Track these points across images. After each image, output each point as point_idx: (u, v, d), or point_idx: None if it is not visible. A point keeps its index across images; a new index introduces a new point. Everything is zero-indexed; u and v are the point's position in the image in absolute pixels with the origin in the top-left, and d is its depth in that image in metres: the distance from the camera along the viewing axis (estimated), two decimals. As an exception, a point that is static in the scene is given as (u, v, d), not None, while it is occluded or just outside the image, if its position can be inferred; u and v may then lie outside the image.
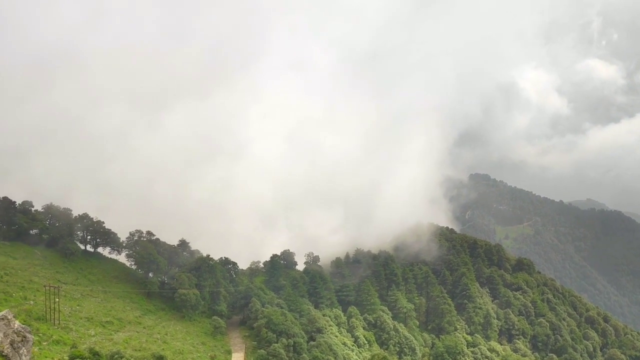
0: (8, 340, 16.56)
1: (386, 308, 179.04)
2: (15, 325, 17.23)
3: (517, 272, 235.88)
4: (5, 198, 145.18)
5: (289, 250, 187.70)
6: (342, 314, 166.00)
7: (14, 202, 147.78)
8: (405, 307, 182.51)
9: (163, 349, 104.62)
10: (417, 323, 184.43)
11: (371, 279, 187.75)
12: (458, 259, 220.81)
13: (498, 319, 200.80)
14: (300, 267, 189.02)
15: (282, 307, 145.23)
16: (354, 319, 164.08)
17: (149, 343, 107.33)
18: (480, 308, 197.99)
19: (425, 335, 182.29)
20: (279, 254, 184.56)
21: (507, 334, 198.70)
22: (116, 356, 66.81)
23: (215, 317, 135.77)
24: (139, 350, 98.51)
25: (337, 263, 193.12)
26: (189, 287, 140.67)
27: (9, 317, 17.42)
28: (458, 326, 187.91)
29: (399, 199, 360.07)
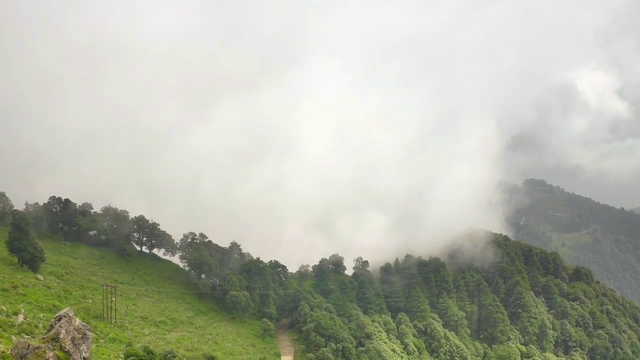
0: (69, 337, 17.16)
1: (437, 315, 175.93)
2: (76, 322, 17.86)
3: (574, 282, 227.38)
4: (66, 200, 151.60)
5: (337, 254, 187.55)
6: (391, 320, 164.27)
7: (75, 203, 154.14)
8: (456, 314, 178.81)
9: (214, 349, 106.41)
10: (469, 331, 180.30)
11: (421, 286, 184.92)
12: (512, 266, 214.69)
13: (554, 329, 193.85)
14: (349, 271, 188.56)
15: (330, 312, 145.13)
16: (403, 326, 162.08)
17: (201, 343, 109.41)
18: (535, 318, 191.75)
19: (477, 344, 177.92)
20: (327, 258, 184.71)
21: (564, 346, 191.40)
22: (169, 355, 68.37)
23: (264, 320, 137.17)
24: (191, 350, 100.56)
25: (387, 268, 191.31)
26: (240, 289, 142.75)
27: (70, 314, 18.07)
28: (511, 336, 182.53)
29: (451, 202, 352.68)
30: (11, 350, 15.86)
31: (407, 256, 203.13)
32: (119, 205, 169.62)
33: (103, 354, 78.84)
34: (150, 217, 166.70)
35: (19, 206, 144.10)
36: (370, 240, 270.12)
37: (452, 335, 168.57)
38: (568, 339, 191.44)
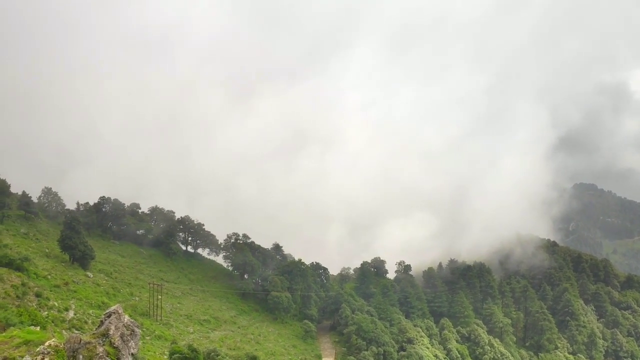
0: (118, 333, 17.64)
1: (481, 322, 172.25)
2: (125, 319, 18.35)
3: (626, 290, 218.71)
4: (115, 200, 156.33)
5: (379, 257, 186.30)
6: (434, 325, 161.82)
7: (123, 203, 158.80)
8: (501, 321, 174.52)
9: (256, 349, 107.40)
10: (514, 339, 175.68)
11: (465, 291, 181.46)
12: (560, 273, 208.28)
13: (604, 339, 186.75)
14: (391, 275, 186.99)
15: (372, 315, 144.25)
16: (446, 331, 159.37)
17: (243, 343, 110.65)
18: (584, 326, 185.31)
19: (523, 352, 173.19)
20: (369, 261, 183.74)
21: (614, 356, 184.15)
22: (213, 354, 69.38)
23: (306, 321, 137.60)
24: (234, 349, 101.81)
25: (430, 273, 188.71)
26: (281, 289, 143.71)
27: (120, 311, 18.59)
28: (559, 344, 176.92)
29: (497, 204, 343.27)
30: (64, 344, 16.40)
31: (451, 260, 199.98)
32: (161, 203, 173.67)
33: (149, 351, 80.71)
34: (195, 218, 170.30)
35: (71, 205, 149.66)
36: (413, 243, 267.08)
37: (496, 342, 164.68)
38: (619, 349, 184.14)
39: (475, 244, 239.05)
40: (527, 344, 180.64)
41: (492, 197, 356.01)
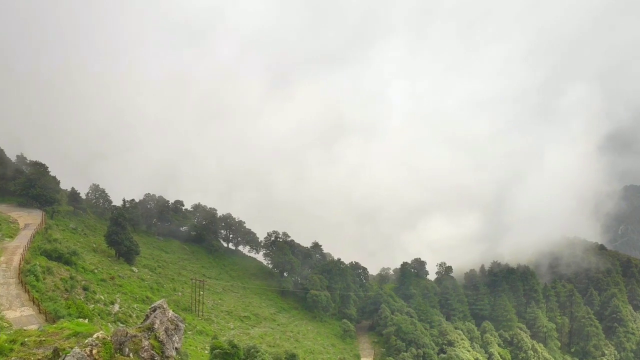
0: (163, 328, 17.95)
1: (524, 326, 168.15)
2: (170, 314, 18.66)
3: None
4: (160, 197, 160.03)
5: (419, 258, 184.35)
6: (475, 328, 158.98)
7: (167, 200, 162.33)
8: (545, 326, 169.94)
9: (295, 347, 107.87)
10: (559, 344, 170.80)
11: (508, 294, 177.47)
12: (608, 278, 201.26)
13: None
14: (432, 276, 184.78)
15: (412, 316, 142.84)
16: (488, 335, 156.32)
17: (282, 340, 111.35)
18: (632, 333, 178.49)
19: (568, 358, 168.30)
20: (409, 261, 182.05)
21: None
22: (252, 350, 70.01)
23: (345, 320, 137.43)
24: (273, 346, 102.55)
25: (471, 275, 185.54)
26: (321, 288, 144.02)
27: (164, 306, 18.92)
28: (606, 351, 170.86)
29: (542, 202, 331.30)
30: (111, 337, 16.78)
31: (494, 262, 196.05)
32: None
33: (191, 345, 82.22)
34: (237, 216, 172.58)
35: (117, 202, 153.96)
36: (454, 243, 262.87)
37: (540, 347, 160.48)
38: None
39: (519, 245, 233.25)
40: (572, 350, 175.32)
41: (538, 195, 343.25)
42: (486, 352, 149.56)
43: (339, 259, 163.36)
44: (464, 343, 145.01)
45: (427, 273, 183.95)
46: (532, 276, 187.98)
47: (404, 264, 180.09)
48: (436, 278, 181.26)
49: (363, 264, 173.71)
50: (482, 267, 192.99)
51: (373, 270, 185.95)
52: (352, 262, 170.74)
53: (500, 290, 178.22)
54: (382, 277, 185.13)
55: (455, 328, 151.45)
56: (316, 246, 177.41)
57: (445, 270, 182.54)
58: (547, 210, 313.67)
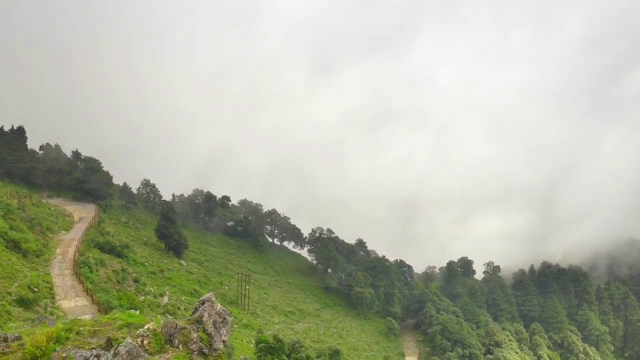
0: (211, 321, 18.21)
1: (575, 328, 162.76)
2: (217, 307, 18.91)
3: None
4: (208, 192, 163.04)
5: (466, 257, 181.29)
6: (523, 330, 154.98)
7: (215, 196, 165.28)
8: (598, 329, 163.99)
9: (339, 343, 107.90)
10: (612, 348, 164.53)
11: (559, 295, 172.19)
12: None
13: None
14: (479, 275, 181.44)
15: (458, 316, 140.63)
16: (537, 337, 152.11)
17: (326, 336, 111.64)
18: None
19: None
20: (456, 260, 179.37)
21: None
22: (297, 345, 70.45)
23: (389, 318, 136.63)
24: (317, 342, 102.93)
25: (520, 275, 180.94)
26: (365, 285, 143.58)
27: (213, 299, 19.19)
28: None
29: (595, 199, 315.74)
30: (161, 328, 17.13)
31: (544, 263, 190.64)
32: (261, 203, 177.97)
33: (236, 339, 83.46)
34: (282, 212, 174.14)
35: (167, 197, 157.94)
36: (503, 241, 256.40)
37: (592, 351, 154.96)
38: None
39: (571, 244, 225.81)
40: (626, 355, 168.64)
41: (592, 191, 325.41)
42: (535, 354, 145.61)
43: (383, 257, 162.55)
44: (511, 344, 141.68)
45: (474, 272, 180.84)
46: (584, 277, 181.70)
47: (450, 263, 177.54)
48: (483, 277, 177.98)
49: (408, 262, 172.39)
50: (532, 267, 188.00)
51: (418, 269, 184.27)
52: (396, 259, 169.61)
53: (550, 291, 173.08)
54: (428, 275, 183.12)
55: (503, 329, 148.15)
56: (360, 243, 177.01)
57: (493, 270, 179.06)
58: (602, 206, 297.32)
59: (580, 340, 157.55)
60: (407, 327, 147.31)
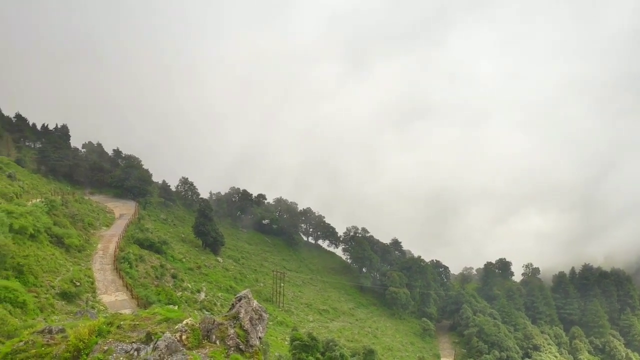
0: (248, 317, 18.35)
1: (617, 333, 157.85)
2: (254, 304, 19.05)
3: None
4: (244, 191, 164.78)
5: (504, 259, 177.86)
6: (563, 334, 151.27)
7: (251, 194, 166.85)
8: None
9: (373, 343, 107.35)
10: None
11: (600, 299, 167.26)
12: None
13: None
14: (517, 277, 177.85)
15: (495, 318, 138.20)
16: (577, 341, 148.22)
17: (361, 335, 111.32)
18: None
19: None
20: (493, 261, 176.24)
21: None
22: (331, 344, 70.35)
23: (424, 319, 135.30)
24: (352, 341, 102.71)
25: (560, 277, 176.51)
26: (400, 285, 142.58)
27: (249, 296, 19.35)
28: None
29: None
30: (199, 324, 17.35)
31: (585, 265, 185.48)
32: (296, 202, 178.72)
33: (271, 335, 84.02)
34: (316, 210, 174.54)
35: (204, 194, 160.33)
36: (542, 242, 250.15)
37: (635, 357, 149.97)
38: None
39: (615, 246, 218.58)
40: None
41: (635, 190, 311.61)
42: (575, 358, 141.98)
43: (419, 257, 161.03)
44: (550, 348, 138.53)
45: (512, 274, 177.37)
46: (627, 281, 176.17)
47: (488, 264, 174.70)
48: (522, 279, 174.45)
49: (444, 262, 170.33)
50: (572, 269, 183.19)
51: (454, 269, 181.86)
52: (432, 260, 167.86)
53: (591, 294, 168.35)
54: (464, 276, 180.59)
55: (542, 332, 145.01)
56: (396, 243, 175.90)
57: (531, 272, 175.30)
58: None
59: (623, 346, 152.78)
60: (442, 329, 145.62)
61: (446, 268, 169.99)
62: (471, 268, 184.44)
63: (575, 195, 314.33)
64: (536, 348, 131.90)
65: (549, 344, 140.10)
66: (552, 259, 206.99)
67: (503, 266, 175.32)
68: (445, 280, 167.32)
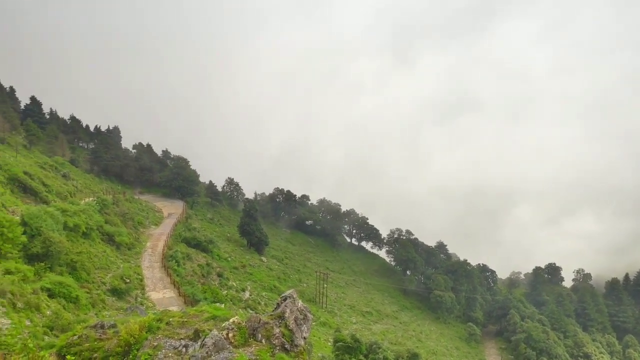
0: (293, 317, 18.40)
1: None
2: (299, 304, 19.09)
3: None
4: (288, 191, 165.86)
5: (554, 264, 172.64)
6: (616, 342, 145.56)
7: (295, 195, 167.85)
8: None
9: (417, 346, 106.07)
10: None
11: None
12: None
13: None
14: (567, 283, 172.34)
15: (544, 324, 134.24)
16: (631, 350, 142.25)
17: (404, 339, 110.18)
18: None
19: None
20: (542, 266, 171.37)
21: None
22: (374, 346, 69.93)
23: (470, 324, 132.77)
24: (395, 344, 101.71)
25: (613, 284, 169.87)
26: (445, 289, 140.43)
27: (294, 296, 19.39)
28: None
29: None
30: (245, 322, 17.52)
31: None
32: (339, 203, 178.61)
33: (314, 336, 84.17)
34: (360, 212, 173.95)
35: (249, 194, 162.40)
36: (595, 247, 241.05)
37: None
38: None
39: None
40: None
41: None
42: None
43: (465, 260, 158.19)
44: (602, 357, 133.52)
45: (562, 279, 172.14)
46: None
47: (537, 269, 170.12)
48: (572, 285, 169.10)
49: (490, 266, 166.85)
50: (626, 275, 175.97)
51: (502, 274, 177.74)
52: (479, 263, 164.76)
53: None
54: (512, 281, 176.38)
55: (593, 340, 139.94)
56: (441, 246, 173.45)
57: (583, 278, 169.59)
58: None
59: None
60: (489, 334, 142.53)
61: (493, 272, 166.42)
62: (519, 272, 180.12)
63: (631, 199, 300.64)
64: (587, 356, 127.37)
65: (600, 353, 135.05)
66: (605, 264, 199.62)
67: (552, 271, 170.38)
68: (492, 284, 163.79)
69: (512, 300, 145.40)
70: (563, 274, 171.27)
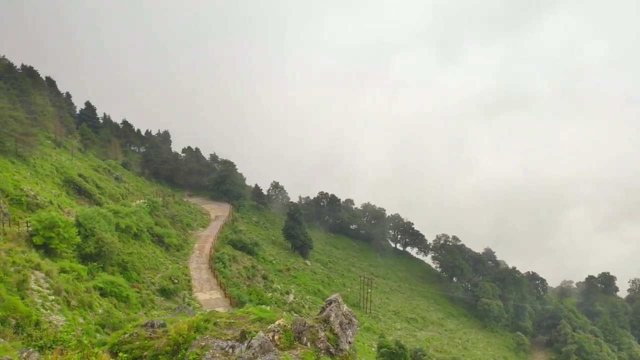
0: (338, 321, 18.41)
1: None
2: (344, 308, 19.09)
3: None
4: (332, 195, 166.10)
5: (608, 273, 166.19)
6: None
7: (339, 199, 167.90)
8: None
9: (463, 355, 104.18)
10: None
11: None
12: None
13: None
14: (622, 293, 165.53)
15: (596, 336, 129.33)
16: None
17: (450, 346, 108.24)
18: None
19: None
20: (596, 275, 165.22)
21: None
22: (419, 353, 69.12)
23: (519, 333, 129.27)
24: (440, 351, 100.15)
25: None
26: (492, 297, 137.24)
27: (339, 300, 19.41)
28: None
29: None
30: (291, 325, 17.64)
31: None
32: (384, 207, 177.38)
33: (358, 341, 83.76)
34: (405, 217, 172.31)
35: (294, 198, 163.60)
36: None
37: None
38: None
39: None
40: None
41: None
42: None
43: (513, 268, 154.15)
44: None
45: (616, 289, 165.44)
46: None
47: (590, 278, 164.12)
48: (628, 296, 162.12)
49: (541, 274, 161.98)
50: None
51: (552, 282, 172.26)
52: (528, 271, 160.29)
53: None
54: (563, 290, 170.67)
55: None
56: (489, 252, 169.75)
57: (638, 288, 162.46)
58: None
59: None
60: (538, 344, 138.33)
61: (543, 280, 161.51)
62: (571, 282, 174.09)
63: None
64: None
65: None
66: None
67: (606, 280, 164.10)
68: (542, 293, 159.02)
69: (563, 310, 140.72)
70: (617, 283, 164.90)
